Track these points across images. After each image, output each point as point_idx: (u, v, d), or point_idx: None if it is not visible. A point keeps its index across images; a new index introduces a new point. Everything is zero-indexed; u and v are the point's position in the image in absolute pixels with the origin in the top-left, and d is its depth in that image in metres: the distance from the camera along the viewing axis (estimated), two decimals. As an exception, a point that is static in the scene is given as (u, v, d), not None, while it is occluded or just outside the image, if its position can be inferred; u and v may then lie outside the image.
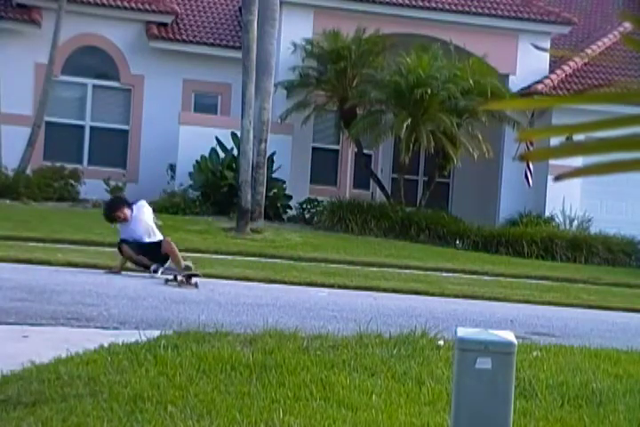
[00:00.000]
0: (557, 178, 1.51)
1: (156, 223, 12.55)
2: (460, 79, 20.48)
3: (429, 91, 20.05)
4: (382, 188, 22.30)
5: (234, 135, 20.31)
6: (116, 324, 7.53)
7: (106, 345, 6.16)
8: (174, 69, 23.00)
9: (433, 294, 12.54)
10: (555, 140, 1.53)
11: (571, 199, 21.97)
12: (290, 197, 21.25)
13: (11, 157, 20.98)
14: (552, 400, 5.72)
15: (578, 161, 2.53)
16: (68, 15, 21.45)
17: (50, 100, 21.41)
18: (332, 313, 9.34)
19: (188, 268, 11.37)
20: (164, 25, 23.10)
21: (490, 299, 12.62)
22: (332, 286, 12.22)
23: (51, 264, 11.75)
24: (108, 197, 21.28)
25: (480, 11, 23.13)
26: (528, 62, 22.75)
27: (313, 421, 4.80)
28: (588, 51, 24.36)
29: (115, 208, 12.30)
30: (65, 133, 22.77)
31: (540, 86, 22.85)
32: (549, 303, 12.90)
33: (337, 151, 24.03)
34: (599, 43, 24.53)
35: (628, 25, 22.82)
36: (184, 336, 6.47)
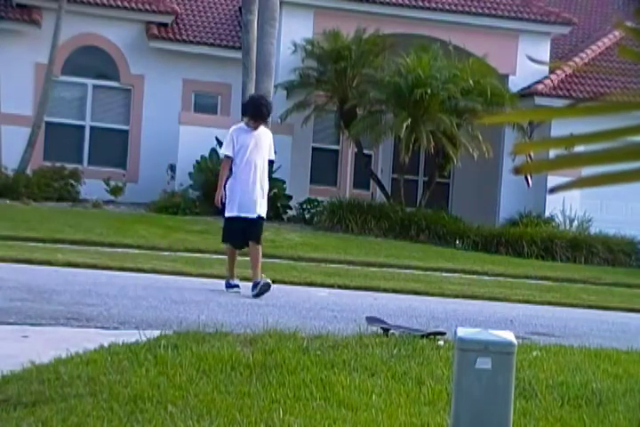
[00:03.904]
0: (552, 190, 1.51)
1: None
2: (459, 79, 20.49)
3: (429, 91, 20.05)
4: (382, 188, 22.30)
5: (234, 135, 20.29)
6: (115, 324, 7.53)
7: (106, 345, 6.16)
8: (174, 69, 23.00)
9: (433, 294, 12.54)
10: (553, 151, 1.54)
11: (571, 199, 21.97)
12: (290, 197, 21.25)
13: (11, 157, 20.99)
14: (552, 400, 5.72)
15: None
16: (68, 15, 21.45)
17: (50, 100, 21.42)
18: (333, 313, 9.34)
19: (265, 285, 10.19)
20: (164, 25, 23.11)
21: (490, 299, 12.62)
22: (331, 286, 12.22)
23: (51, 264, 11.75)
24: (108, 197, 21.35)
25: (480, 11, 23.14)
26: (528, 62, 22.73)
27: (313, 421, 4.80)
28: (588, 51, 24.34)
29: (270, 109, 10.62)
30: (65, 133, 22.77)
31: (540, 87, 22.86)
32: (549, 303, 12.90)
33: (337, 151, 24.04)
34: (599, 43, 24.54)
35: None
36: (184, 336, 6.46)
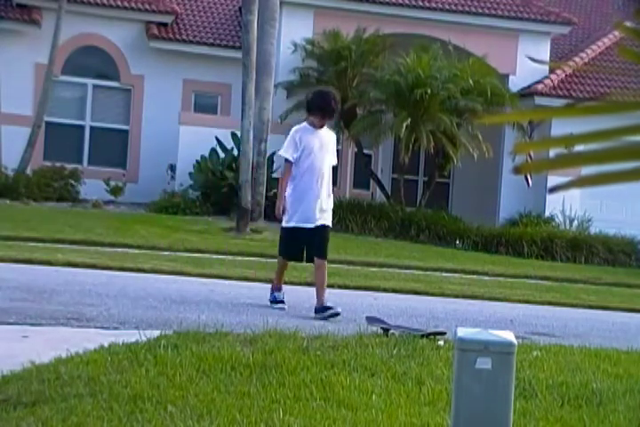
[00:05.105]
0: (552, 190, 1.51)
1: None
2: (460, 79, 20.49)
3: (429, 91, 20.06)
4: (382, 188, 22.30)
5: (234, 135, 20.32)
6: (115, 324, 7.53)
7: (106, 345, 6.16)
8: (174, 69, 23.00)
9: (433, 294, 12.53)
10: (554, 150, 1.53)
11: (571, 199, 21.98)
12: (290, 197, 21.24)
13: (11, 157, 20.99)
14: (552, 400, 5.72)
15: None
16: (68, 15, 21.45)
17: (50, 100, 21.42)
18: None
19: (328, 309, 8.88)
20: (164, 25, 23.11)
21: (490, 299, 12.61)
22: (331, 286, 12.19)
23: (51, 264, 11.74)
24: (108, 197, 21.34)
25: (480, 11, 23.14)
26: (528, 62, 22.73)
27: (313, 421, 4.80)
28: (588, 51, 24.35)
29: (338, 104, 9.40)
30: (65, 133, 22.78)
31: (540, 86, 22.87)
32: (549, 303, 12.90)
33: (337, 151, 23.99)
34: (599, 43, 24.54)
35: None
36: (184, 336, 6.46)
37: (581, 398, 5.80)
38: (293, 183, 9.16)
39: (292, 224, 9.09)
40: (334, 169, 9.83)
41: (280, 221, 9.24)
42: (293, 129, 9.40)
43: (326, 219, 9.16)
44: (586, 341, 8.25)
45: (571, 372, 6.50)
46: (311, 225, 9.06)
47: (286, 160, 9.28)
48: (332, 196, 9.39)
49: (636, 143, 1.42)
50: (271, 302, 9.38)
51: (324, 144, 9.24)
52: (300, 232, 9.04)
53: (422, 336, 7.34)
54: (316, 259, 9.12)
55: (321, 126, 9.23)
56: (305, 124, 9.37)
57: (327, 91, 9.79)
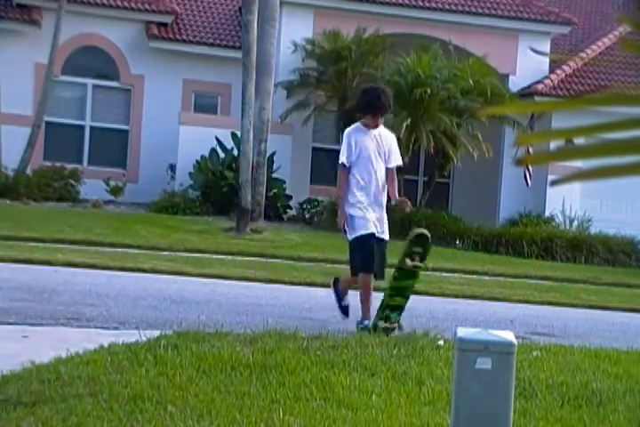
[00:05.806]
0: (553, 183, 1.51)
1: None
2: (459, 79, 20.49)
3: (429, 91, 20.06)
4: (382, 188, 22.27)
5: (234, 135, 20.32)
6: (115, 324, 7.53)
7: (106, 345, 6.16)
8: (174, 69, 23.00)
9: (433, 294, 12.54)
10: (554, 143, 1.53)
11: (571, 199, 21.97)
12: (290, 197, 21.25)
13: (11, 157, 20.99)
14: (552, 400, 5.72)
15: (578, 161, 2.52)
16: (68, 15, 21.45)
17: (50, 100, 21.42)
18: (332, 313, 9.34)
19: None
20: (164, 25, 23.10)
21: (490, 299, 12.62)
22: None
23: (51, 264, 11.75)
24: (108, 197, 21.33)
25: (480, 11, 23.14)
26: (528, 62, 22.75)
27: (313, 421, 4.80)
28: (588, 51, 24.35)
29: (390, 98, 8.49)
30: (65, 133, 22.77)
31: (540, 86, 22.86)
32: (549, 303, 12.91)
33: (337, 151, 23.97)
34: (599, 43, 24.53)
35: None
36: (184, 336, 6.46)
37: (581, 398, 5.80)
38: (350, 189, 8.42)
39: (366, 231, 8.38)
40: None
41: (344, 231, 8.55)
42: (346, 131, 8.61)
43: (385, 232, 8.60)
44: (586, 341, 8.25)
45: (571, 372, 6.50)
46: (380, 234, 8.52)
47: (342, 165, 8.51)
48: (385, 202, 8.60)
49: (635, 137, 1.42)
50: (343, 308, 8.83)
51: (380, 145, 8.44)
52: (373, 239, 8.43)
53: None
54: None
55: (375, 126, 8.43)
56: (358, 124, 8.59)
57: (375, 86, 9.23)
